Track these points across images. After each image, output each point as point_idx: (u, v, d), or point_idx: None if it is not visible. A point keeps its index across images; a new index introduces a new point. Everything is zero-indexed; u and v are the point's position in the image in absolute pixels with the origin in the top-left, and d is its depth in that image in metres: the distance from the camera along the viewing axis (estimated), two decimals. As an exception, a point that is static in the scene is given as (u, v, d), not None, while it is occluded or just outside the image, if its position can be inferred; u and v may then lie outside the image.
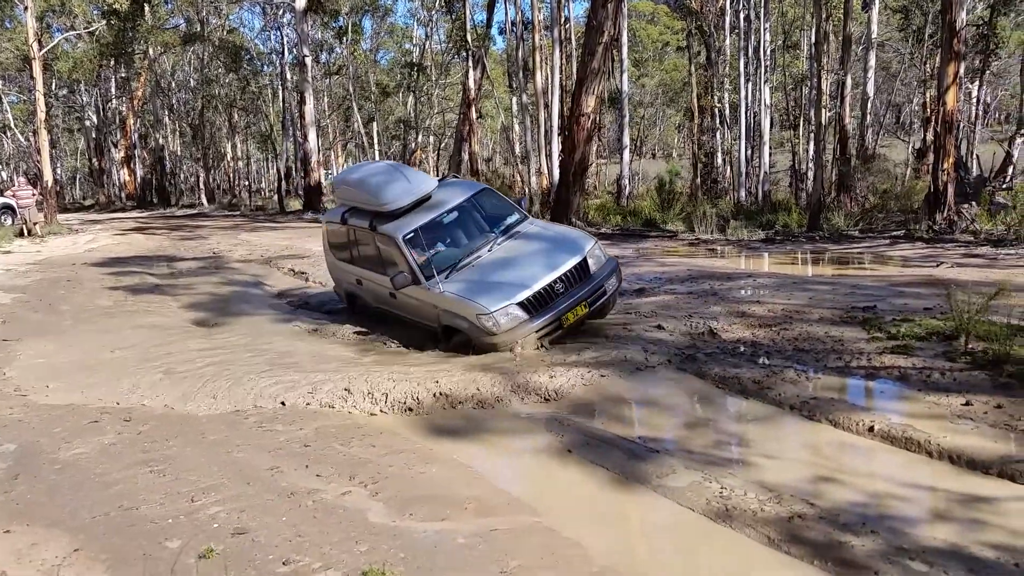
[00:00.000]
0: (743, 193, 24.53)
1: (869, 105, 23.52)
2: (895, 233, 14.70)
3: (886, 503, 4.26)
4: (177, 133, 39.54)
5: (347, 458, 5.21)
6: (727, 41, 26.78)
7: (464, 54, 29.29)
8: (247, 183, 44.48)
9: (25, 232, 20.49)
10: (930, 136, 18.00)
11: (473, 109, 28.64)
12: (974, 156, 19.99)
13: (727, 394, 6.09)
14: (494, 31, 32.70)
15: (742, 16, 25.28)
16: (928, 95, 21.44)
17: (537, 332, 7.25)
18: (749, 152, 25.41)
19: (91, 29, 31.29)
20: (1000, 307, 6.73)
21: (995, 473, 4.42)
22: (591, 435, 5.43)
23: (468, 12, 29.11)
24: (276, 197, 33.29)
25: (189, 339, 8.81)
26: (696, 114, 28.47)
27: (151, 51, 34.84)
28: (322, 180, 29.38)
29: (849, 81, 20.96)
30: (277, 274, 13.86)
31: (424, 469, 5.02)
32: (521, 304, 7.17)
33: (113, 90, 38.73)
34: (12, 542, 4.25)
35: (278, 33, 33.74)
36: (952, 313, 6.65)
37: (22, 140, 36.78)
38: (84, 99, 39.82)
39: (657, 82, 41.97)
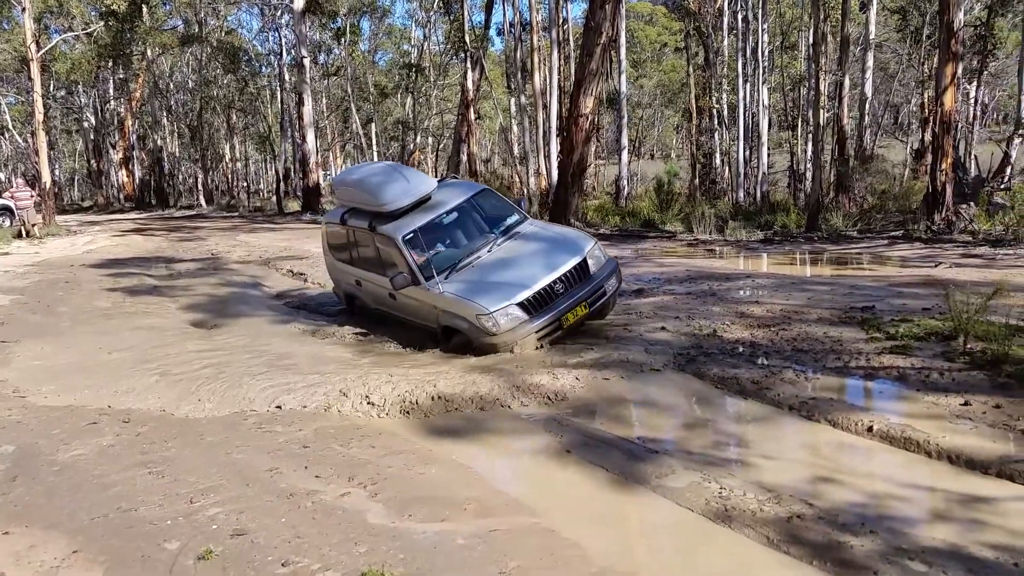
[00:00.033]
0: (741, 194, 24.52)
1: (867, 106, 23.55)
2: (893, 233, 14.72)
3: (885, 503, 4.26)
4: (175, 134, 39.46)
5: (346, 459, 5.20)
6: (725, 42, 26.78)
7: (462, 55, 29.28)
8: (245, 184, 44.44)
9: (23, 233, 20.49)
10: (928, 136, 18.03)
11: (471, 110, 28.63)
12: (972, 156, 19.99)
13: (726, 395, 6.09)
14: (492, 32, 32.73)
15: (740, 17, 25.29)
16: (926, 95, 21.42)
17: (537, 333, 7.24)
18: (747, 153, 25.43)
19: (89, 30, 31.28)
20: (998, 307, 6.74)
21: (994, 473, 4.43)
22: (590, 436, 5.43)
23: (466, 13, 29.09)
24: (275, 198, 33.27)
25: (187, 341, 8.81)
26: (694, 115, 28.50)
27: (149, 52, 34.83)
28: (321, 181, 29.34)
29: (847, 82, 20.96)
30: (276, 275, 13.85)
31: (423, 470, 5.02)
32: (521, 304, 7.17)
33: (111, 91, 38.72)
34: (11, 544, 4.24)
35: (276, 34, 33.68)
36: (951, 313, 6.65)
37: (20, 141, 36.76)
38: (82, 100, 39.80)
39: (655, 83, 42.07)
